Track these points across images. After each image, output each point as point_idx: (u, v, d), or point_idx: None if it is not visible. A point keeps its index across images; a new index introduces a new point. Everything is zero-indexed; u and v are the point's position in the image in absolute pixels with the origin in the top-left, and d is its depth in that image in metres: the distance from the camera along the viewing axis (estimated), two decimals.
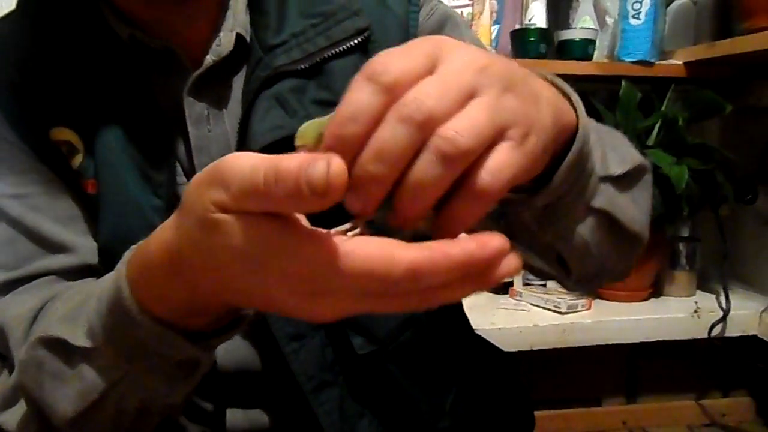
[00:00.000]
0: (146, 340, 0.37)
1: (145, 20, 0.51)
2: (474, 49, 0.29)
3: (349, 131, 0.26)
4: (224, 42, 0.52)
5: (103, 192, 0.52)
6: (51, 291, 0.49)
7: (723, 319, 1.18)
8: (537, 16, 1.31)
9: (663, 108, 1.21)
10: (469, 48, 0.28)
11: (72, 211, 0.53)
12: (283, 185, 0.24)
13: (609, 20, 1.41)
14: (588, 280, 0.52)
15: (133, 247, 0.38)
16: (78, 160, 0.52)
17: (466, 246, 0.25)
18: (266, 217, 0.27)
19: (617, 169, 0.45)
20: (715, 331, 1.18)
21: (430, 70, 0.27)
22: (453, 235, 0.27)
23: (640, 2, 1.23)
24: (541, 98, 0.32)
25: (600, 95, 1.29)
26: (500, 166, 0.27)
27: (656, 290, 1.31)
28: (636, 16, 1.24)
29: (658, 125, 1.21)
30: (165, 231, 0.34)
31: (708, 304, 1.24)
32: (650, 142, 1.22)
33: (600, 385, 1.35)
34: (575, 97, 0.40)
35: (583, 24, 1.34)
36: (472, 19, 1.28)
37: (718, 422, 1.38)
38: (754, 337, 1.22)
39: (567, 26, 1.39)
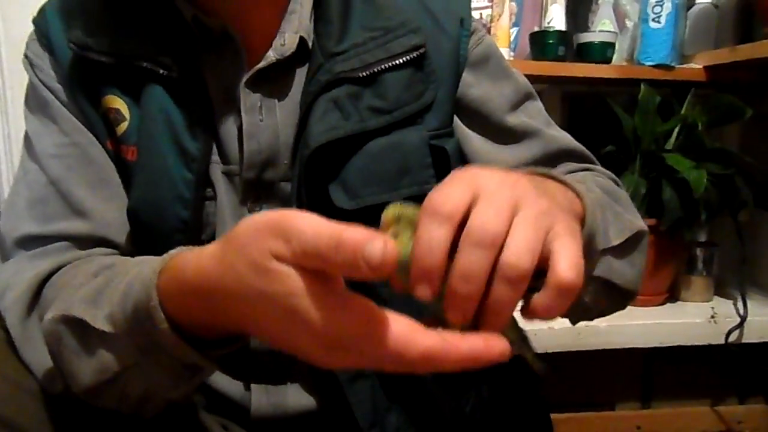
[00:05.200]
0: (161, 343, 0.39)
1: (209, 4, 0.54)
2: (499, 171, 0.34)
3: (430, 262, 0.30)
4: (288, 43, 0.55)
5: (140, 159, 0.55)
6: (62, 258, 0.52)
7: (740, 325, 1.17)
8: (556, 19, 1.30)
9: (683, 112, 1.20)
10: (497, 172, 0.34)
11: (103, 176, 0.56)
12: (343, 254, 0.28)
13: (629, 23, 1.40)
14: (584, 320, 0.56)
15: (165, 257, 0.40)
16: (123, 127, 0.55)
17: (474, 344, 0.30)
18: (316, 275, 0.30)
19: (617, 240, 0.49)
20: (732, 337, 1.17)
21: (475, 194, 0.32)
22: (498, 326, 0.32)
23: (661, 6, 1.22)
24: (557, 198, 0.37)
25: (619, 98, 1.28)
26: (572, 259, 0.31)
27: (673, 295, 1.30)
28: (656, 19, 1.23)
29: (677, 129, 1.20)
30: (204, 258, 0.36)
31: (725, 309, 1.23)
32: (669, 146, 1.21)
33: (615, 389, 1.34)
34: (578, 187, 0.43)
35: (602, 27, 1.33)
36: (491, 21, 1.28)
37: (734, 429, 1.36)
38: None
39: (586, 29, 1.39)
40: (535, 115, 0.63)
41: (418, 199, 0.55)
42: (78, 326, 0.43)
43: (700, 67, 1.26)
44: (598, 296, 0.50)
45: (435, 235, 0.30)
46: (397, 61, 0.55)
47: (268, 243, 0.30)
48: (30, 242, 0.54)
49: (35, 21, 0.59)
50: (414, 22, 0.57)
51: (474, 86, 0.60)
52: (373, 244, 0.28)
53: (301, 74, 0.56)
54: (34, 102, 0.58)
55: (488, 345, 0.30)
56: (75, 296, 0.45)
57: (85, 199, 0.55)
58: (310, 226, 0.29)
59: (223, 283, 0.33)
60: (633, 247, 0.52)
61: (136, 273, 0.41)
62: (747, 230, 1.28)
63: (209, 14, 0.54)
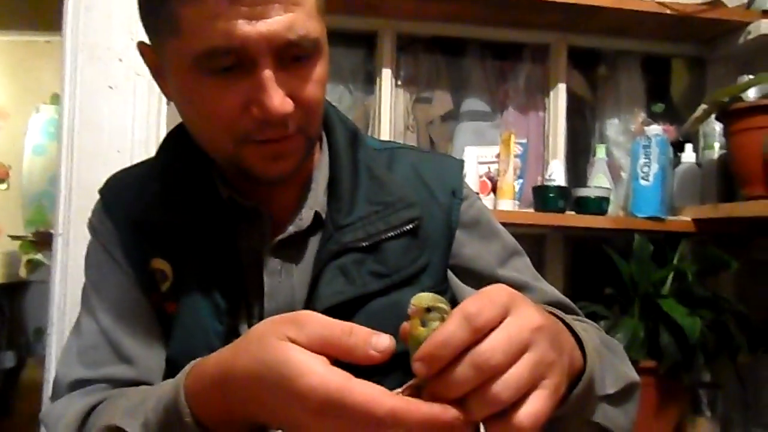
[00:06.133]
0: None
1: (243, 188, 0.66)
2: (533, 308, 0.40)
3: (439, 353, 0.37)
4: (305, 217, 0.65)
5: (179, 314, 0.64)
6: (108, 393, 0.60)
7: None
8: (556, 173, 1.44)
9: (674, 262, 1.30)
10: (530, 308, 0.40)
11: (148, 327, 0.65)
12: (355, 338, 0.39)
13: (624, 175, 1.54)
14: None
15: (193, 361, 0.49)
16: (166, 285, 0.65)
17: (434, 407, 0.37)
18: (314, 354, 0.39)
19: (612, 389, 0.55)
20: None
21: (504, 317, 0.39)
22: None
23: (648, 166, 1.36)
24: (565, 349, 0.43)
25: (615, 244, 1.39)
26: (537, 413, 0.37)
27: None
28: (645, 177, 1.36)
29: (671, 276, 1.30)
30: (223, 351, 0.45)
31: None
32: (665, 290, 1.30)
33: None
34: (584, 336, 0.50)
35: (597, 181, 1.46)
36: (498, 175, 1.43)
37: None
38: None
39: (584, 180, 1.53)
40: (522, 270, 0.71)
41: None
42: None
43: (689, 219, 1.37)
44: None
45: (456, 336, 0.37)
46: (396, 232, 0.65)
47: (284, 329, 0.39)
48: (80, 385, 0.63)
49: (101, 191, 0.71)
50: (411, 196, 0.67)
51: (466, 245, 0.70)
52: (382, 337, 0.38)
53: (314, 242, 0.66)
54: (93, 261, 0.69)
55: (445, 410, 0.37)
56: (118, 408, 0.53)
57: (131, 348, 0.64)
58: (325, 319, 0.39)
59: (236, 365, 0.42)
60: (627, 397, 0.58)
61: (171, 381, 0.50)
62: (748, 372, 1.32)
63: (242, 195, 0.66)
